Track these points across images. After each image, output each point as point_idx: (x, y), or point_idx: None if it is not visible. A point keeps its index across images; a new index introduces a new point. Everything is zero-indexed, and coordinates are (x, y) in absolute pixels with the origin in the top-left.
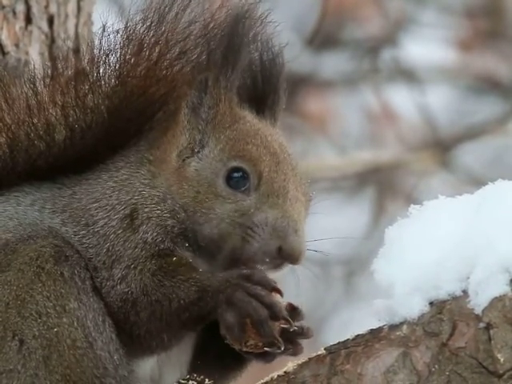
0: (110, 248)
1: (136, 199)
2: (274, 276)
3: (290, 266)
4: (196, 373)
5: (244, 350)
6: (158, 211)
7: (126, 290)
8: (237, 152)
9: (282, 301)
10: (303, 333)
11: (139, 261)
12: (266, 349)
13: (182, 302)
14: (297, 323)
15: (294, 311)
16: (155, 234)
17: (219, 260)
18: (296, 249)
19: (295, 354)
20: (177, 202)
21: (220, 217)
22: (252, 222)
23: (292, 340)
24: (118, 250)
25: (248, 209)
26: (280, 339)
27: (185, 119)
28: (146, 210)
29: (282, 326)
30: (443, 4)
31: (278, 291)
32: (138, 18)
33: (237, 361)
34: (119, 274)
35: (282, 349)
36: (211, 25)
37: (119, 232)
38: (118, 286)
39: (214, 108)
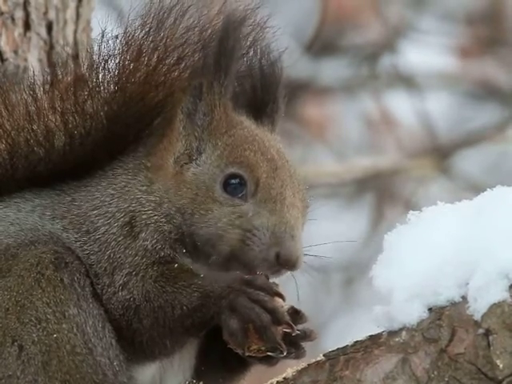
0: (111, 255)
1: (134, 206)
2: (276, 280)
3: (288, 272)
4: (200, 378)
5: (247, 354)
6: (156, 217)
7: (128, 296)
8: (234, 158)
9: (284, 305)
10: (306, 336)
11: (140, 268)
12: (268, 353)
13: (184, 308)
14: (299, 326)
15: (296, 314)
16: (154, 241)
17: (217, 262)
18: (293, 254)
19: (298, 357)
20: (173, 206)
21: (217, 217)
22: (252, 226)
23: (295, 343)
24: (119, 257)
25: (246, 212)
26: (282, 344)
27: (180, 126)
28: (144, 216)
29: (285, 330)
30: (442, 11)
31: (280, 296)
32: (136, 24)
33: (241, 364)
34: (120, 281)
35: (285, 353)
36: (209, 31)
37: (120, 239)
38: (120, 293)
39: (209, 114)
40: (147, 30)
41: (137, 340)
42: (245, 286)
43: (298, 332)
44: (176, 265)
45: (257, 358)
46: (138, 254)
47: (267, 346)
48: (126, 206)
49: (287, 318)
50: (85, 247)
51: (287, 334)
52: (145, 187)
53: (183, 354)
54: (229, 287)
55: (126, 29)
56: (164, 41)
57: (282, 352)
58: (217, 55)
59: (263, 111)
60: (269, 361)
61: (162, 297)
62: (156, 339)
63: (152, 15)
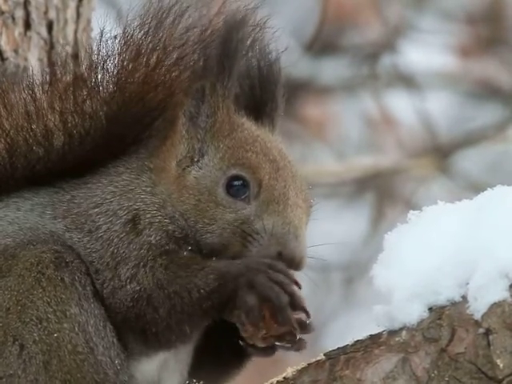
0: (115, 251)
1: (138, 205)
2: None
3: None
4: (195, 372)
5: (256, 342)
6: (160, 217)
7: (138, 288)
8: (236, 160)
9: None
10: (305, 327)
11: (148, 259)
12: (276, 343)
13: (202, 291)
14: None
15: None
16: (158, 237)
17: None
18: (297, 254)
19: (299, 348)
20: (177, 210)
21: (222, 227)
22: (252, 230)
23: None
24: (123, 252)
25: (248, 217)
26: (296, 327)
27: (183, 128)
28: (148, 215)
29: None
30: (443, 10)
31: (297, 284)
32: (135, 24)
33: (236, 358)
34: (127, 274)
35: (298, 337)
36: (208, 31)
37: (122, 235)
38: (128, 286)
39: (212, 116)
40: (146, 30)
41: (150, 331)
42: (264, 266)
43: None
44: (185, 253)
45: (260, 351)
46: (143, 248)
47: (281, 331)
48: (129, 204)
49: (304, 303)
50: (87, 246)
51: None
52: (149, 188)
53: (181, 350)
54: (246, 266)
55: (125, 29)
56: (163, 41)
57: (294, 336)
58: (220, 57)
59: (263, 111)
60: (266, 351)
61: (176, 281)
62: (173, 326)
63: (151, 15)
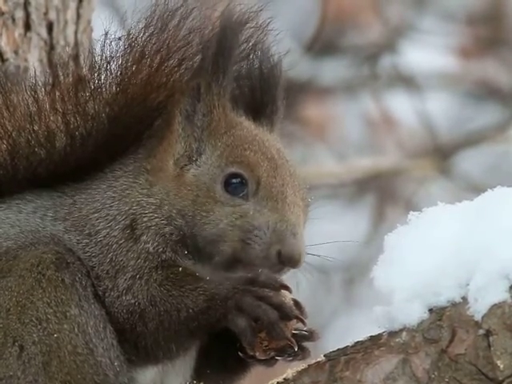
0: (113, 258)
1: (135, 209)
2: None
3: (291, 270)
4: (200, 379)
5: (258, 355)
6: (157, 219)
7: (133, 301)
8: (234, 158)
9: (290, 297)
10: (309, 336)
11: (144, 271)
12: (277, 357)
13: (190, 311)
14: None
15: (297, 308)
16: (156, 243)
17: (219, 263)
18: (295, 252)
19: (303, 358)
20: (174, 208)
21: (219, 218)
22: (252, 225)
23: (299, 345)
24: (122, 260)
25: (247, 212)
26: (292, 340)
27: (179, 127)
28: (145, 219)
29: (293, 332)
30: (443, 11)
31: (286, 288)
32: (140, 26)
33: (240, 364)
34: (124, 285)
35: (296, 349)
36: (210, 33)
37: (121, 242)
38: (124, 297)
39: (208, 115)
40: (151, 31)
41: (140, 344)
42: (249, 284)
43: (305, 332)
44: (180, 268)
45: (261, 361)
46: (141, 257)
47: (277, 345)
48: (126, 208)
49: (296, 311)
50: (86, 249)
51: (292, 335)
52: (145, 190)
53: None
54: (234, 288)
55: (130, 30)
56: (167, 42)
57: (292, 348)
58: (214, 56)
59: (262, 112)
60: (268, 361)
61: (168, 301)
62: (161, 343)
63: (156, 17)
